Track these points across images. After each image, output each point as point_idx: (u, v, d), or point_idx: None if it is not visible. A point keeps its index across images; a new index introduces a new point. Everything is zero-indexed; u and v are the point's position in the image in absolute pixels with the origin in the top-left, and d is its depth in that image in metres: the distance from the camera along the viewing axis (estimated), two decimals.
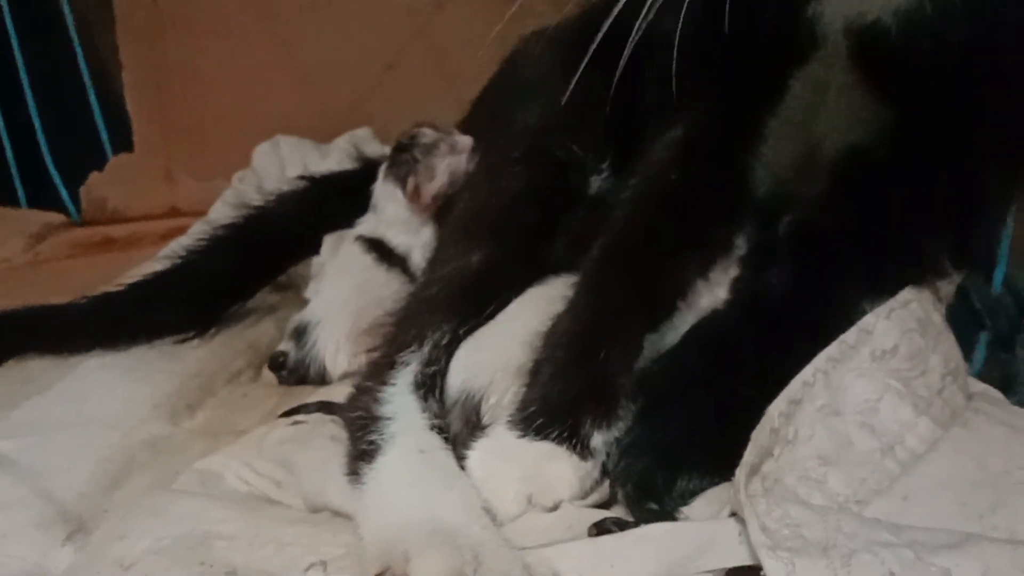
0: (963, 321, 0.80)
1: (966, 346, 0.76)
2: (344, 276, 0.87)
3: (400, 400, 0.61)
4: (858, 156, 0.59)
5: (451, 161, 0.88)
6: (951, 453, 0.55)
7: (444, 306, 0.65)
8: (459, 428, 0.60)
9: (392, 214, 0.90)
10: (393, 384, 0.62)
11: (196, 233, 0.96)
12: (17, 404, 0.78)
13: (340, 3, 1.14)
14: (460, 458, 0.58)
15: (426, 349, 0.63)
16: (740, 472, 0.50)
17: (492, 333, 0.64)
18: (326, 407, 0.70)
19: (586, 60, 0.57)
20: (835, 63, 0.58)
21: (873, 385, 0.58)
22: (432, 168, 0.88)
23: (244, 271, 0.92)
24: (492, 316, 0.65)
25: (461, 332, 0.64)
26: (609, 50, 0.56)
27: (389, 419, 0.59)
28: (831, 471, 0.53)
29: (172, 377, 0.82)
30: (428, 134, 0.90)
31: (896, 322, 0.61)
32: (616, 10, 0.53)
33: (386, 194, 0.90)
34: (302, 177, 0.99)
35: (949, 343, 0.65)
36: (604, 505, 0.57)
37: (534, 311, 0.64)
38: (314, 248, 0.94)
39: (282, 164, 1.12)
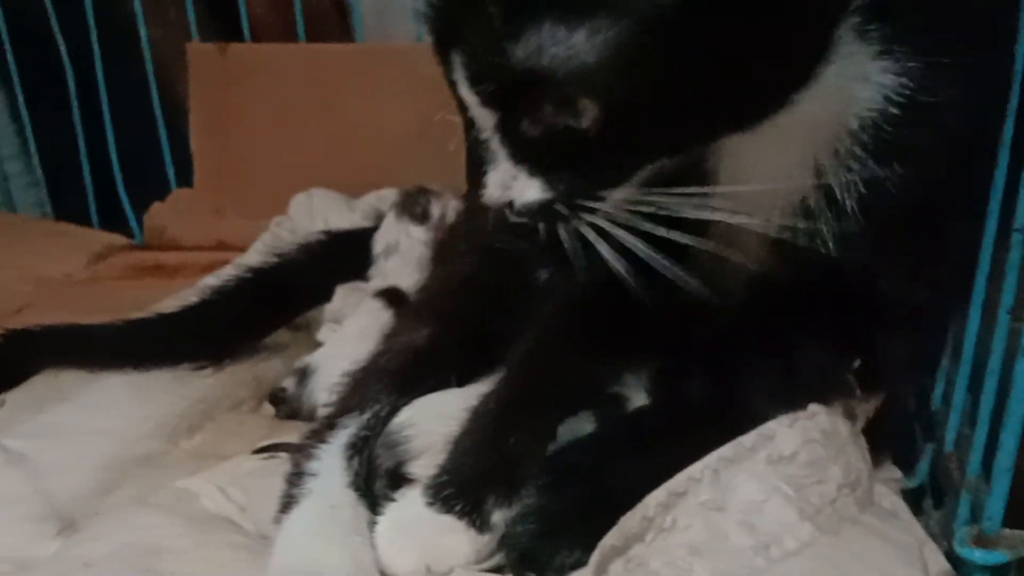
0: (912, 433, 0.85)
1: (914, 457, 0.82)
2: (358, 333, 0.92)
3: (328, 459, 0.68)
4: (762, 284, 0.66)
5: (457, 205, 1.00)
6: (814, 558, 0.60)
7: (389, 378, 0.72)
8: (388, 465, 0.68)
9: (407, 251, 1.00)
10: (328, 443, 0.69)
11: (224, 274, 1.06)
12: (43, 409, 0.89)
13: (379, 74, 1.25)
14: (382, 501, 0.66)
15: (366, 416, 0.70)
16: (596, 553, 0.57)
17: (441, 401, 0.72)
18: (292, 448, 0.78)
19: None
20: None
21: (762, 487, 0.63)
22: (445, 206, 1.01)
23: (261, 313, 1.02)
24: (433, 390, 0.72)
25: (400, 404, 0.71)
26: None
27: (313, 475, 0.67)
28: (698, 561, 0.58)
29: (180, 400, 0.91)
30: (434, 185, 1.03)
31: (799, 431, 0.67)
32: None
33: (401, 231, 1.01)
34: (323, 232, 1.10)
35: (855, 456, 0.69)
36: (499, 569, 0.63)
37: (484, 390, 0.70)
38: (327, 297, 1.03)
39: (314, 214, 1.23)
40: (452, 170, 0.93)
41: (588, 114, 0.51)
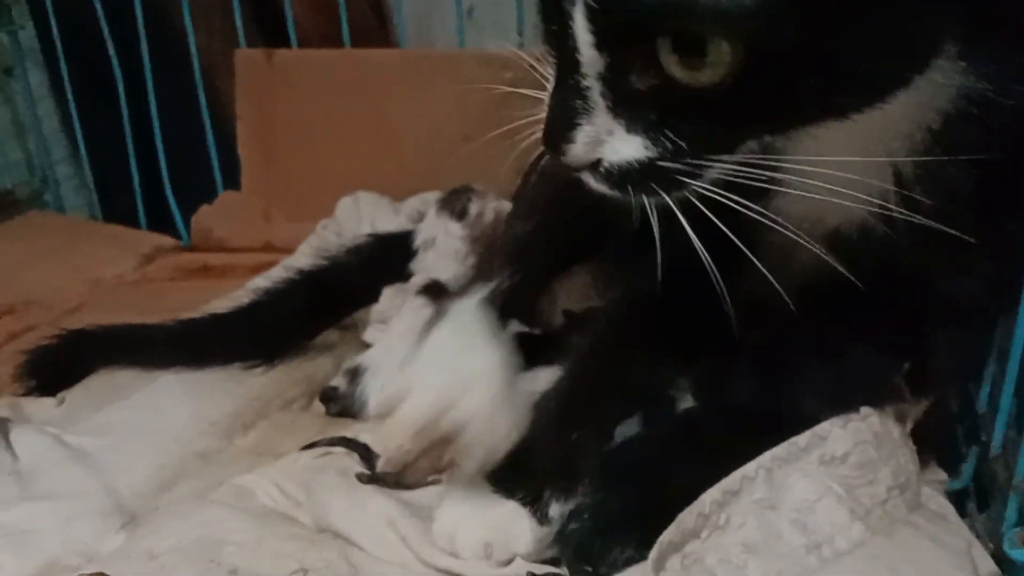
0: (956, 435, 0.86)
1: (957, 459, 0.82)
2: (406, 333, 0.94)
3: (467, 303, 0.75)
4: (817, 288, 0.66)
5: (497, 205, 1.03)
6: (865, 558, 0.61)
7: (506, 256, 0.85)
8: None
9: (444, 245, 1.03)
10: (467, 298, 0.76)
11: (274, 276, 1.07)
12: (102, 407, 0.91)
13: (424, 79, 1.27)
14: None
15: (492, 284, 0.79)
16: (655, 549, 0.58)
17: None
18: (345, 443, 0.80)
19: None
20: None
21: (815, 487, 0.64)
22: (484, 206, 1.04)
23: (311, 314, 1.04)
24: (542, 268, 0.86)
25: (517, 279, 0.82)
26: None
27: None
28: (752, 559, 0.59)
29: (234, 399, 0.93)
30: (478, 185, 1.06)
31: (851, 432, 0.67)
32: None
33: (440, 227, 1.05)
34: (370, 234, 1.11)
35: (904, 458, 0.70)
36: (555, 561, 0.65)
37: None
38: (374, 298, 1.05)
39: (360, 217, 1.25)
40: (496, 175, 0.94)
41: (719, 64, 0.47)
